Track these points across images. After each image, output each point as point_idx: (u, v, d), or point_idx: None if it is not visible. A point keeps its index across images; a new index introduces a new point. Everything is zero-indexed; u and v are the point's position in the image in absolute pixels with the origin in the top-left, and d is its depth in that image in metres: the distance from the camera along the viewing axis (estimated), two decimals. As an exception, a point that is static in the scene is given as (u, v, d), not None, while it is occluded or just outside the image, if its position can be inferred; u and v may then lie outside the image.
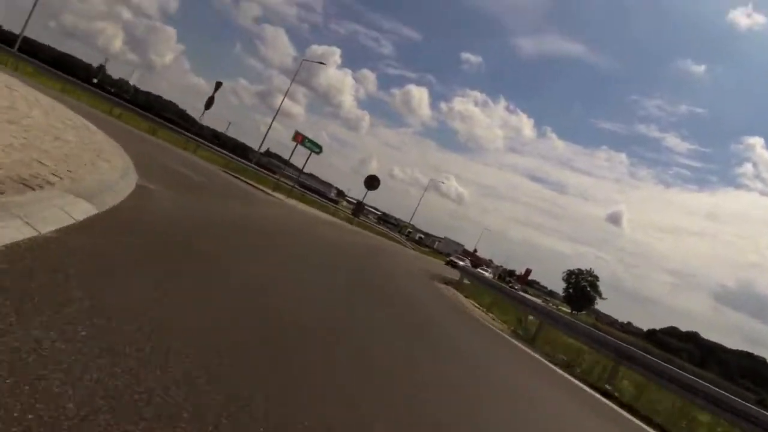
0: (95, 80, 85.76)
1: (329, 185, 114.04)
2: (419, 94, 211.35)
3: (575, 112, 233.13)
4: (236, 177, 19.59)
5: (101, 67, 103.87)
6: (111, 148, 7.90)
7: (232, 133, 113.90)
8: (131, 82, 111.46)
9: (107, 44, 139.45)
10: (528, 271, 70.02)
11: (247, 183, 19.15)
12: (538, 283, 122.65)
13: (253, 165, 26.48)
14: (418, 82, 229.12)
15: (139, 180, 6.40)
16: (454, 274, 22.20)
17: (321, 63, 33.39)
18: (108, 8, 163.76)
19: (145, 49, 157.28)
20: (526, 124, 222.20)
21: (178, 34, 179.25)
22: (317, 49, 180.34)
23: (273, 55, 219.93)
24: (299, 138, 20.26)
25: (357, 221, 30.60)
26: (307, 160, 21.57)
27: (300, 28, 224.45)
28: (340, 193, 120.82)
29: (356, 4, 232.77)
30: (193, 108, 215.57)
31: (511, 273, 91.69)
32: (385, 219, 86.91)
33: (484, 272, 46.93)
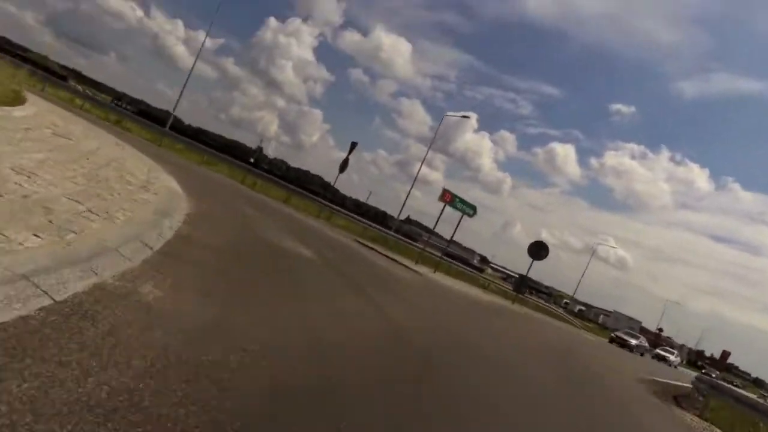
0: (252, 160, 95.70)
1: (471, 251, 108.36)
2: (564, 152, 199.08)
3: (761, 156, 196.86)
4: (371, 248, 15.86)
5: (259, 149, 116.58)
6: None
7: (373, 202, 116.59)
8: (269, 153, 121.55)
9: (265, 129, 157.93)
10: (725, 354, 55.11)
11: (386, 256, 15.23)
12: (736, 368, 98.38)
13: (392, 233, 22.94)
14: (563, 139, 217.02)
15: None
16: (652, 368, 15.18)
17: (465, 116, 28.73)
18: (266, 98, 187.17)
19: (296, 130, 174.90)
20: (699, 176, 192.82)
21: (324, 116, 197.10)
22: (452, 117, 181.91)
23: (409, 125, 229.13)
24: (447, 197, 16.03)
25: (518, 298, 24.76)
26: (459, 224, 17.16)
27: (434, 98, 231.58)
28: (484, 260, 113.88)
29: (489, 70, 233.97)
30: (339, 180, 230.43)
31: (701, 355, 74.19)
32: (536, 289, 77.33)
33: (668, 355, 36.24)
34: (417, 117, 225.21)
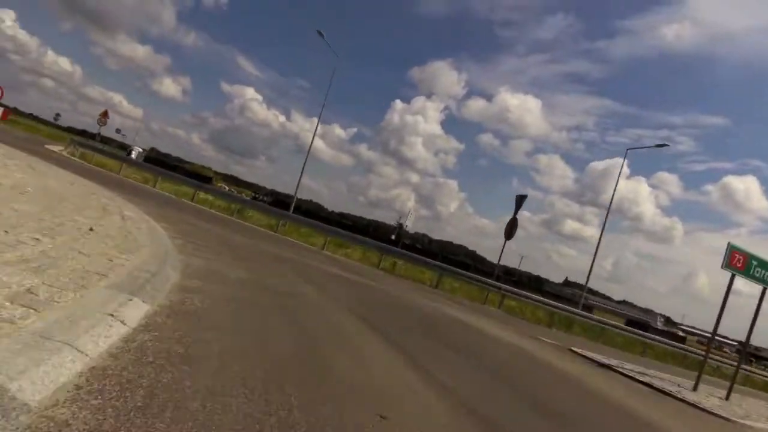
0: (393, 237, 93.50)
1: (651, 312, 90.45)
2: (745, 185, 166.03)
3: None
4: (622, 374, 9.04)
5: (399, 226, 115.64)
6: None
7: (524, 267, 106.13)
8: (408, 229, 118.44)
9: (402, 206, 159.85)
10: None
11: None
12: None
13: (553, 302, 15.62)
14: (739, 171, 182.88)
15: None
16: None
17: (661, 145, 20.34)
18: (400, 176, 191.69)
19: (433, 202, 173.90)
20: None
21: (459, 184, 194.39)
22: (597, 165, 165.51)
23: (550, 181, 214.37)
24: (739, 260, 8.54)
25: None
26: (762, 299, 9.31)
27: (574, 150, 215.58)
28: (669, 322, 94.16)
29: (633, 110, 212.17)
30: (482, 247, 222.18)
31: None
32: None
33: None
34: (558, 172, 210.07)
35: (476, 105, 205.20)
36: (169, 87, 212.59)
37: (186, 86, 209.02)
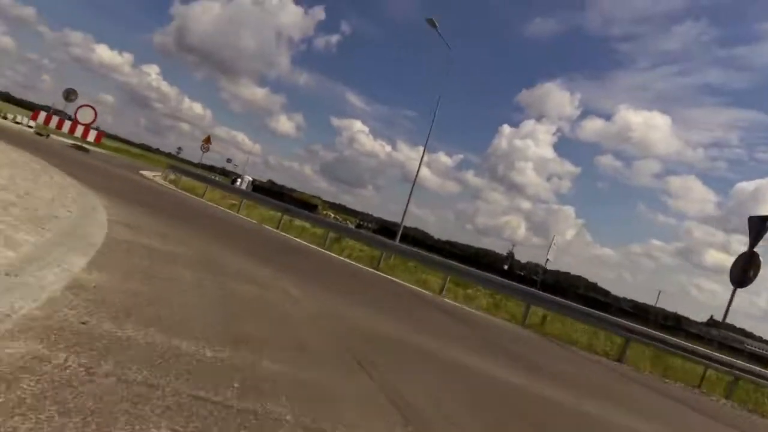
0: (505, 267, 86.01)
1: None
2: None
3: None
4: None
5: (510, 255, 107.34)
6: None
7: (658, 302, 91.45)
8: (520, 258, 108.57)
9: (512, 233, 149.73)
10: None
11: None
12: None
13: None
14: None
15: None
16: None
17: None
18: (509, 203, 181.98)
19: (547, 230, 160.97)
20: None
21: (576, 211, 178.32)
22: (746, 186, 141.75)
23: (686, 206, 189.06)
24: None
25: None
26: None
27: (715, 169, 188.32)
28: None
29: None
30: (603, 278, 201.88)
31: None
32: None
33: None
34: (695, 195, 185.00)
35: (593, 125, 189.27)
36: (285, 124, 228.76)
37: (299, 122, 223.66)
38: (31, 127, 22.38)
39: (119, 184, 12.93)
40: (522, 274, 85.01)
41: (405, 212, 19.51)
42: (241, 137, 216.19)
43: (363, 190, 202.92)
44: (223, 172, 69.38)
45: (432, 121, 20.02)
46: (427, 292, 11.55)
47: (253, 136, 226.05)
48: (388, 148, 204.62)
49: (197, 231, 8.32)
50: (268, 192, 57.94)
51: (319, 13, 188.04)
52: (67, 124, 20.51)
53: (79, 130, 20.07)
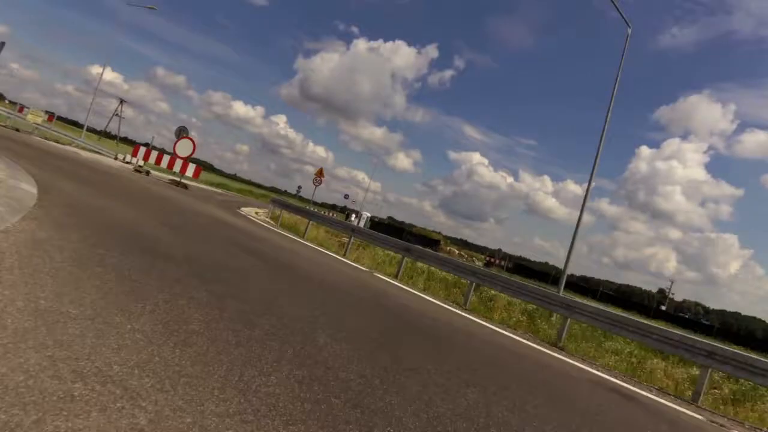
0: (663, 307, 72.45)
1: None
2: None
3: None
4: None
5: (662, 292, 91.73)
6: None
7: None
8: (673, 296, 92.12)
9: (660, 267, 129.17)
10: None
11: None
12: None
13: None
14: None
15: None
16: None
17: None
18: (654, 232, 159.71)
19: (704, 263, 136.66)
20: None
21: (740, 239, 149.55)
22: None
23: None
24: None
25: None
26: None
27: None
28: None
29: None
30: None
31: None
32: None
33: None
34: None
35: (754, 139, 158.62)
36: (402, 161, 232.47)
37: (416, 158, 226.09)
38: (129, 163, 21.43)
39: (202, 227, 9.66)
40: (686, 316, 70.55)
41: (569, 256, 13.90)
42: (361, 176, 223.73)
43: (484, 223, 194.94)
44: (342, 210, 68.72)
45: (598, 148, 14.46)
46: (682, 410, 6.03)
47: (372, 174, 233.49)
48: (510, 179, 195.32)
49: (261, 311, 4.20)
50: (387, 228, 54.98)
51: (432, 51, 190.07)
52: (166, 158, 18.88)
53: (178, 165, 18.32)
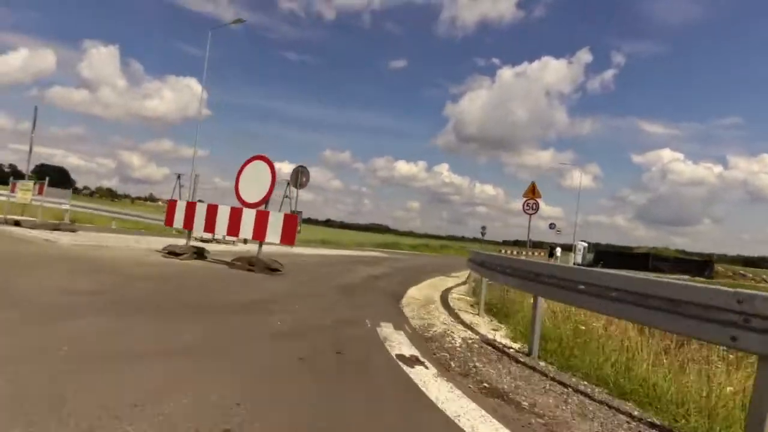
0: None
1: None
2: None
3: None
4: None
5: None
6: None
7: None
8: None
9: None
10: None
11: None
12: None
13: None
14: None
15: None
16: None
17: None
18: None
19: None
20: None
21: None
22: None
23: None
24: None
25: None
26: None
27: None
28: None
29: None
30: None
31: None
32: None
33: None
34: None
35: None
36: (579, 178, 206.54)
37: (595, 172, 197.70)
38: (172, 253, 10.09)
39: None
40: None
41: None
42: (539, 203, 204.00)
43: (697, 225, 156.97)
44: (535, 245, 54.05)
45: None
46: None
47: (551, 201, 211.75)
48: (718, 168, 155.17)
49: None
50: (618, 258, 38.39)
51: (584, 56, 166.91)
52: (223, 213, 7.74)
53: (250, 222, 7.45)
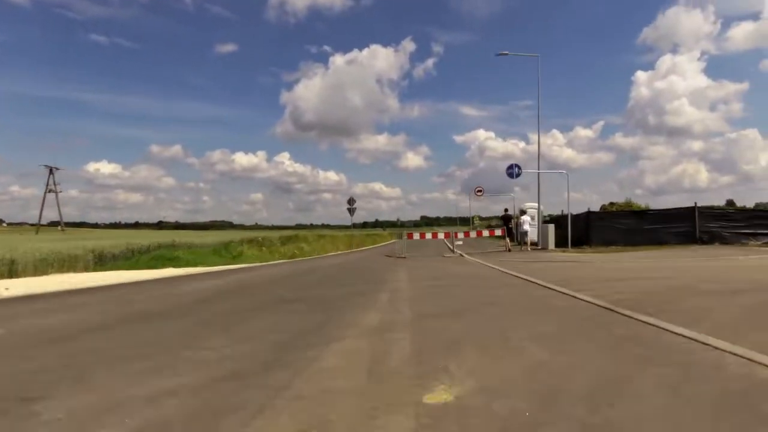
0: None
1: None
2: None
3: None
4: None
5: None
6: None
7: None
8: None
9: (693, 182, 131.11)
10: None
11: None
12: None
13: None
14: None
15: None
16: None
17: None
18: (677, 150, 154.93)
19: (733, 164, 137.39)
20: None
21: (761, 131, 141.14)
22: None
23: None
24: None
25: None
26: None
27: None
28: None
29: None
30: None
31: None
32: None
33: None
34: None
35: (741, 32, 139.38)
36: (413, 159, 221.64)
37: (426, 153, 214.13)
38: None
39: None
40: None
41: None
42: (378, 186, 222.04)
43: (511, 194, 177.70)
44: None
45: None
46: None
47: (388, 182, 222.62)
48: (522, 144, 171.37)
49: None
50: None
51: (408, 45, 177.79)
52: None
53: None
